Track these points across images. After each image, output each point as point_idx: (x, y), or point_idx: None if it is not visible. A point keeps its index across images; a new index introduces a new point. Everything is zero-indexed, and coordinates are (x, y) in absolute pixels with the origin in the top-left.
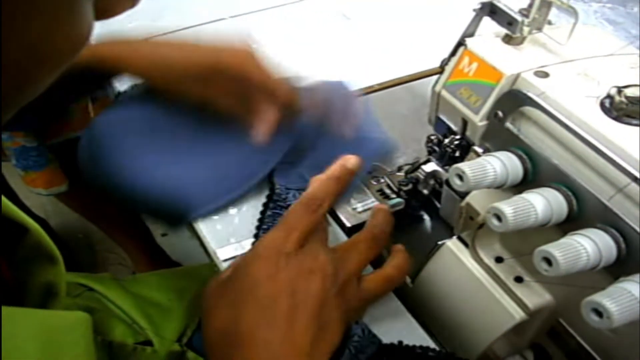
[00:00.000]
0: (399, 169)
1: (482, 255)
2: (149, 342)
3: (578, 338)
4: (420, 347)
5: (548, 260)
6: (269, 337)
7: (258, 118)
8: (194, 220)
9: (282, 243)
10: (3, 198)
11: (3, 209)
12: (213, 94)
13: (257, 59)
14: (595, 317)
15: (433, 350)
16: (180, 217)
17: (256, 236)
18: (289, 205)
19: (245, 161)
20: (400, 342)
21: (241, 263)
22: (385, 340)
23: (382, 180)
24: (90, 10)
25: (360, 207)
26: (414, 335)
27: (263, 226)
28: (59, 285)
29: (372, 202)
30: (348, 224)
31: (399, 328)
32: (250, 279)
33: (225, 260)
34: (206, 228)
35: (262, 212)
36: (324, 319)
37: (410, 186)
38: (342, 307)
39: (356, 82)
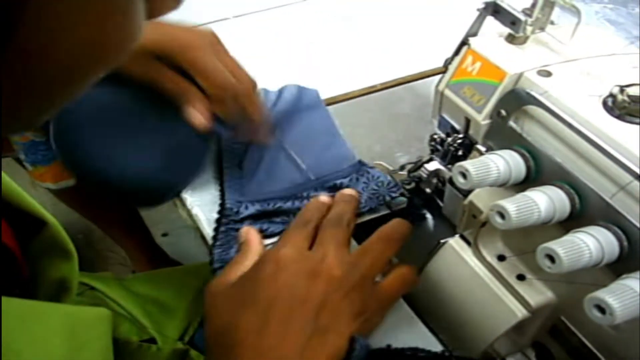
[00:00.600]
0: (402, 167)
1: (484, 253)
2: (153, 340)
3: (580, 336)
4: (410, 348)
5: (551, 258)
6: (260, 342)
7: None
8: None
9: (283, 248)
10: (22, 191)
11: (21, 202)
12: (157, 76)
13: (213, 47)
14: (597, 314)
15: (422, 350)
16: (158, 199)
17: (210, 254)
18: (242, 218)
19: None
20: (388, 346)
21: (250, 269)
22: (387, 338)
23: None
24: (142, 10)
25: (364, 207)
26: (417, 333)
27: (217, 243)
28: (71, 281)
29: None
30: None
31: (402, 326)
32: (251, 283)
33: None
34: (209, 228)
35: (216, 229)
36: (323, 323)
37: (412, 185)
38: (351, 311)
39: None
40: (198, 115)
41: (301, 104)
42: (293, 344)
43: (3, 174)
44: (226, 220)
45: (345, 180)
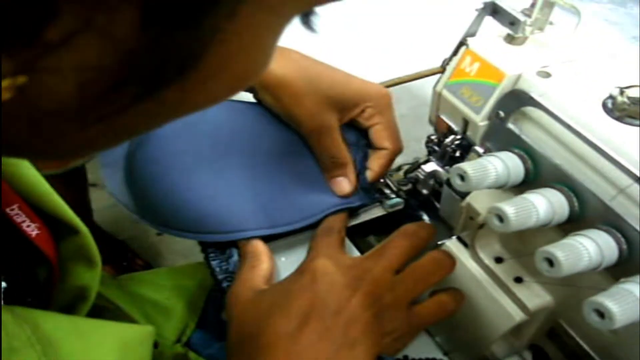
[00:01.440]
0: (399, 168)
1: (481, 255)
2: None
3: (578, 339)
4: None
5: (550, 261)
6: (291, 347)
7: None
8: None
9: (319, 259)
10: (56, 197)
11: (56, 208)
12: (323, 134)
13: (392, 109)
14: (596, 318)
15: None
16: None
17: (208, 266)
18: None
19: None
20: (405, 357)
21: (283, 281)
22: None
23: (382, 180)
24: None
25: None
26: (417, 339)
27: (210, 254)
28: (91, 289)
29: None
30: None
31: None
32: (286, 292)
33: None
34: None
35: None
36: (353, 336)
37: (409, 186)
38: (382, 329)
39: None
40: (349, 187)
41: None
42: (323, 353)
43: (41, 178)
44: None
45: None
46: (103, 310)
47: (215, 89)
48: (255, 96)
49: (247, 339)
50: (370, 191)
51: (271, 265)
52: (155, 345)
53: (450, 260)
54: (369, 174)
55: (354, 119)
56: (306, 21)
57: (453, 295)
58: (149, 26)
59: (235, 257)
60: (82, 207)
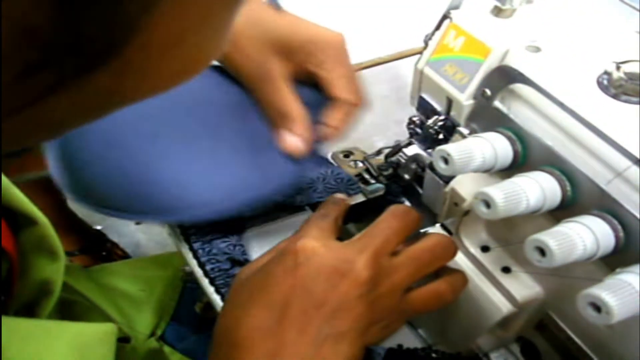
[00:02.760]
0: (379, 152)
1: (467, 244)
2: (125, 339)
3: (569, 332)
4: (423, 349)
5: (541, 250)
6: (269, 344)
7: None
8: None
9: (306, 239)
10: (13, 187)
11: (12, 198)
12: (266, 84)
13: (347, 55)
14: (592, 312)
15: (436, 351)
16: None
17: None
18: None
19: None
20: (399, 346)
21: (266, 261)
22: None
23: (360, 165)
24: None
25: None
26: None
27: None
28: (55, 283)
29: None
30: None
31: None
32: (266, 276)
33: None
34: None
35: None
36: (339, 329)
37: (390, 171)
38: (371, 318)
39: None
40: (295, 144)
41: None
42: (303, 350)
43: None
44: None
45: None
46: (72, 305)
47: (151, 78)
48: None
49: (223, 332)
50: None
51: None
52: (128, 340)
53: (454, 245)
54: (325, 130)
55: (312, 73)
56: None
57: (451, 282)
58: (59, 4)
59: (219, 241)
60: (53, 194)
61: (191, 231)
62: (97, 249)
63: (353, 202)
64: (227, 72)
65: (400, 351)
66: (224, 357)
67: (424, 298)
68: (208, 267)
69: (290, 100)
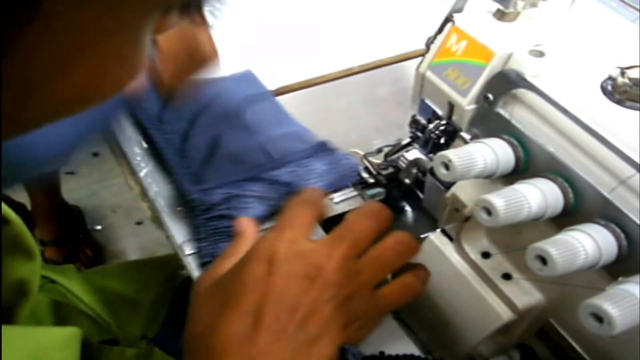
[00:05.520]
0: (379, 151)
1: (467, 250)
2: (114, 341)
3: (570, 340)
4: (404, 356)
5: (542, 259)
6: (245, 351)
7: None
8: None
9: (276, 243)
10: None
11: None
12: None
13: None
14: (594, 323)
15: (418, 357)
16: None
17: (199, 249)
18: (213, 205)
19: None
20: (381, 353)
21: (236, 264)
22: (365, 344)
23: (360, 167)
24: (146, 44)
25: (338, 198)
26: (395, 337)
27: (201, 236)
28: (31, 283)
29: (350, 191)
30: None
31: (379, 329)
32: (238, 283)
33: (190, 254)
34: (172, 221)
35: (194, 223)
36: (312, 332)
37: (390, 170)
38: (343, 319)
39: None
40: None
41: (252, 92)
42: (281, 356)
43: None
44: (198, 211)
45: (306, 160)
46: (61, 307)
47: (51, 102)
48: None
49: (198, 338)
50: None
51: None
52: (117, 342)
53: (415, 242)
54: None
55: None
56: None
57: (417, 274)
58: None
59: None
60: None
61: (201, 235)
62: (66, 242)
63: (353, 207)
64: None
65: (381, 358)
66: None
67: (396, 292)
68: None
69: None
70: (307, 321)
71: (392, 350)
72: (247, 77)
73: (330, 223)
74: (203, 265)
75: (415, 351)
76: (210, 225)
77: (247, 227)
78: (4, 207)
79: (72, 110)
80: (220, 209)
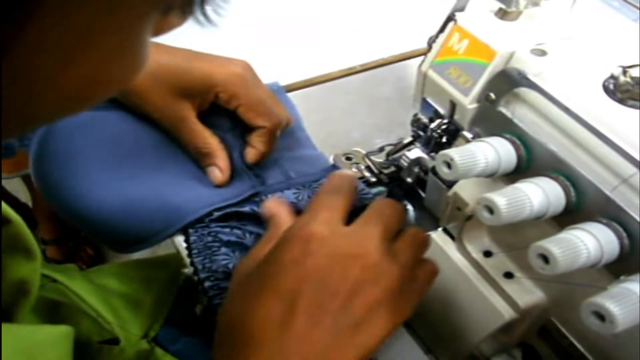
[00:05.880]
0: (381, 149)
1: (469, 248)
2: (114, 340)
3: (571, 338)
4: None
5: (544, 257)
6: (281, 337)
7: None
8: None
9: (312, 223)
10: None
11: None
12: (181, 126)
13: (252, 80)
14: (596, 321)
15: None
16: (126, 245)
17: (191, 264)
18: (211, 220)
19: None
20: None
21: (272, 248)
22: None
23: (362, 167)
24: (149, 40)
25: None
26: (396, 335)
27: (193, 251)
28: (32, 283)
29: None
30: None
31: None
32: (274, 265)
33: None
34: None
35: (186, 240)
36: (359, 315)
37: (392, 169)
38: (391, 304)
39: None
40: (220, 176)
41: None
42: (317, 343)
43: None
44: (194, 228)
45: (316, 183)
46: (59, 306)
47: (55, 98)
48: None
49: (232, 323)
50: (260, 175)
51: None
52: (117, 342)
53: (428, 237)
54: (250, 152)
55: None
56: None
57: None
58: None
59: (221, 251)
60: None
61: (194, 250)
62: (67, 241)
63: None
64: None
65: None
66: (233, 350)
67: (427, 275)
68: (207, 285)
69: (205, 138)
70: (351, 303)
71: (392, 348)
72: (275, 90)
73: None
74: (201, 282)
75: (417, 350)
76: (205, 239)
77: (278, 208)
78: (5, 207)
79: (76, 106)
80: (215, 224)
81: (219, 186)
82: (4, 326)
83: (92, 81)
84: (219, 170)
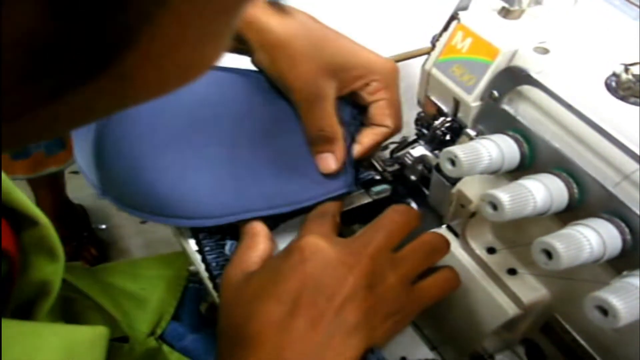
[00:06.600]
0: (385, 147)
1: (473, 245)
2: (123, 338)
3: (574, 334)
4: None
5: (548, 253)
6: (281, 337)
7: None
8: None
9: (309, 235)
10: (15, 188)
11: (14, 199)
12: (316, 106)
13: (397, 84)
14: (599, 316)
15: None
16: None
17: (203, 260)
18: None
19: (284, 185)
20: (403, 358)
21: (271, 260)
22: None
23: (365, 163)
24: (235, 27)
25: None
26: (400, 332)
27: (206, 249)
28: (53, 284)
29: (356, 188)
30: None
31: None
32: (276, 271)
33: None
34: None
35: (197, 242)
36: (350, 320)
37: (396, 166)
38: (384, 310)
39: None
40: (334, 165)
41: None
42: (314, 343)
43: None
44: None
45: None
46: (72, 303)
47: (150, 82)
48: (252, 59)
49: (234, 326)
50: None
51: (269, 246)
52: (126, 340)
53: (446, 241)
54: (357, 148)
55: (355, 92)
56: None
57: (454, 271)
58: (57, 15)
59: (229, 244)
60: (54, 185)
61: (205, 241)
62: (71, 241)
63: (358, 204)
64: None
65: None
66: (235, 354)
67: (437, 284)
68: (215, 272)
69: (334, 123)
70: (345, 308)
71: (393, 347)
72: None
73: (342, 220)
74: (214, 278)
75: (421, 346)
76: (215, 237)
77: (255, 223)
78: (36, 209)
79: (164, 91)
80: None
81: (328, 174)
82: (47, 325)
83: (191, 65)
84: (334, 159)
